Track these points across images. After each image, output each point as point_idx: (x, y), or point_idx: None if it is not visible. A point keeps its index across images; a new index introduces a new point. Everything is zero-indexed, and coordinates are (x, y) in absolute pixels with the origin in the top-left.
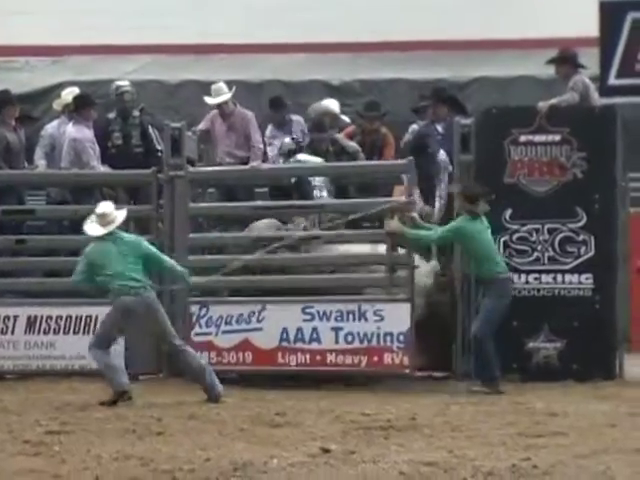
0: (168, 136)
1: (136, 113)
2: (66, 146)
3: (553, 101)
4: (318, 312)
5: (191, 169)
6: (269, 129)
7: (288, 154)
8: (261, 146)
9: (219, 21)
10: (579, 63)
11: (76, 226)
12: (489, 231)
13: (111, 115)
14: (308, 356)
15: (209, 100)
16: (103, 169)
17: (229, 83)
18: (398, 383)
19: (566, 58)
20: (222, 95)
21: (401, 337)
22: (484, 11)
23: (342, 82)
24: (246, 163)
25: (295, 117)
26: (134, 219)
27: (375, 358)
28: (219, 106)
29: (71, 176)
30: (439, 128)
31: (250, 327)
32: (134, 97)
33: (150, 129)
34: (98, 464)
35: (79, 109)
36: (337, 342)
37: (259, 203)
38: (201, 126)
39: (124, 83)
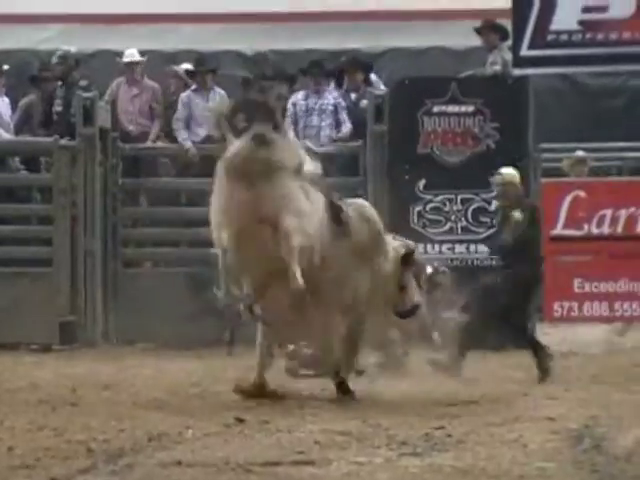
0: (80, 106)
1: (83, 82)
2: None
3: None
4: None
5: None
6: (186, 93)
7: None
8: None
9: None
10: (507, 34)
11: None
12: None
13: (59, 82)
14: None
15: (124, 58)
16: (9, 137)
17: (142, 53)
18: None
19: (496, 27)
20: (136, 56)
21: None
22: None
23: (256, 52)
24: (148, 132)
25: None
26: (37, 188)
27: None
28: (129, 68)
29: None
30: (352, 97)
31: None
32: (76, 64)
33: None
34: (11, 435)
35: None
36: None
37: None
38: (107, 97)
39: (69, 48)
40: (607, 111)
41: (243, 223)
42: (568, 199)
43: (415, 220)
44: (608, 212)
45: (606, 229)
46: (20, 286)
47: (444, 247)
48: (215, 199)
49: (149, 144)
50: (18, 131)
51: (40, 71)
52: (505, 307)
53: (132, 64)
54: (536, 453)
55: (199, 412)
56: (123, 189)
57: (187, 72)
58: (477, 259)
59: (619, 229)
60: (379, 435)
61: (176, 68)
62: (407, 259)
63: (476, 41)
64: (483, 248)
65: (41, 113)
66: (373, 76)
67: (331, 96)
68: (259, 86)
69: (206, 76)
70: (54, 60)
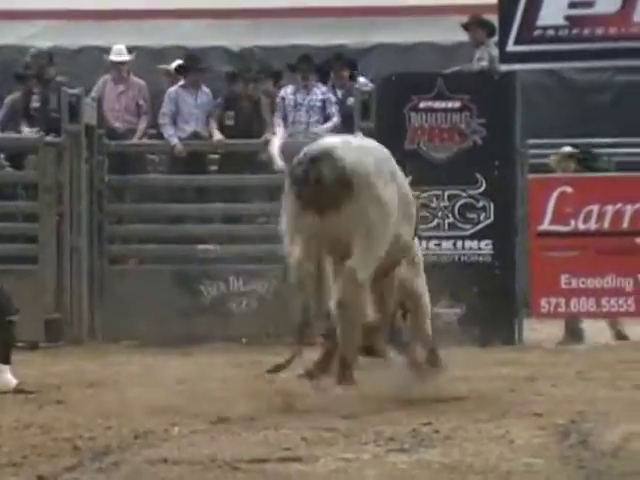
0: (66, 102)
1: (60, 78)
2: None
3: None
4: None
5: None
6: (174, 88)
7: None
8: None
9: None
10: (494, 30)
11: None
12: None
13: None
14: None
15: (111, 56)
16: None
17: (129, 49)
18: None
19: (483, 23)
20: (124, 55)
21: None
22: None
23: (243, 48)
24: (134, 129)
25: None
26: (22, 185)
27: None
28: (115, 67)
29: None
30: (339, 94)
31: None
32: (51, 61)
33: None
34: None
35: None
36: None
37: None
38: (93, 94)
39: (42, 44)
40: (594, 107)
41: (313, 252)
42: (555, 195)
43: None
44: (595, 208)
45: (593, 225)
46: (5, 284)
47: (431, 243)
48: (285, 216)
49: (135, 141)
50: (4, 128)
51: (25, 68)
52: None
53: (119, 64)
54: (523, 449)
55: (185, 409)
56: (109, 186)
57: (177, 69)
58: (464, 255)
59: (606, 225)
60: (366, 431)
61: (168, 67)
62: None
63: (463, 37)
64: (470, 244)
65: (22, 110)
66: (362, 79)
67: (319, 91)
68: (244, 80)
69: (199, 75)
70: (27, 58)
